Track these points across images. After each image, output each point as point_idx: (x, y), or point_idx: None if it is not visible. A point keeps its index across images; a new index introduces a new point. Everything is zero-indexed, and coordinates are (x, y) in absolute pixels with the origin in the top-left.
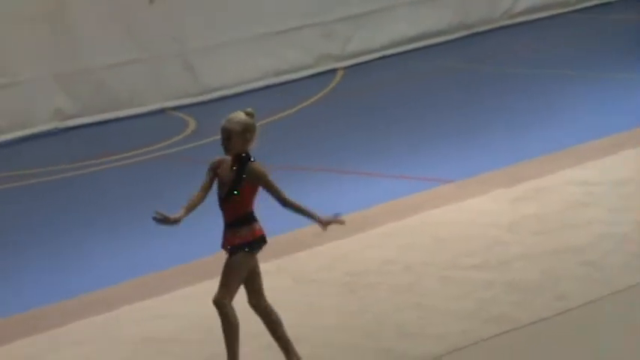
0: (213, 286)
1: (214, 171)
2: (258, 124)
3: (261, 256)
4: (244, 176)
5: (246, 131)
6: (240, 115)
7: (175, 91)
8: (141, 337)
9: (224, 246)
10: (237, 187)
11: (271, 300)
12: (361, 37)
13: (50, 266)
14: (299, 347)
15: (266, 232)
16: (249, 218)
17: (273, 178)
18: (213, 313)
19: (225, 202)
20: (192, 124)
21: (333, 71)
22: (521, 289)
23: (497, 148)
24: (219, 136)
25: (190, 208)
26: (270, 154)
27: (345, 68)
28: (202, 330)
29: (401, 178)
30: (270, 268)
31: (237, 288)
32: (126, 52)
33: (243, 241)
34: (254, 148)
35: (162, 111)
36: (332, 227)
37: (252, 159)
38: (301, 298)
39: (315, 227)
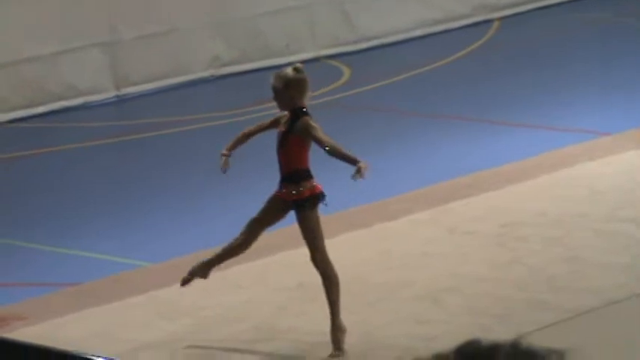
0: (366, 233)
1: (274, 122)
2: (413, 74)
3: (415, 206)
4: (292, 129)
5: (289, 87)
6: (285, 72)
7: (331, 40)
8: (296, 282)
9: (282, 197)
10: (286, 139)
11: (425, 251)
12: None
13: (207, 212)
14: (453, 297)
15: (423, 181)
16: (303, 175)
17: (428, 124)
18: (365, 259)
19: (278, 154)
20: (347, 73)
21: (489, 22)
22: None
23: None
24: (374, 85)
25: (235, 143)
26: (423, 103)
27: (500, 19)
28: (356, 276)
29: (556, 130)
30: (424, 217)
31: (322, 240)
32: (282, 0)
33: (300, 198)
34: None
35: (317, 59)
36: (486, 179)
37: (305, 113)
38: (455, 248)
39: (470, 178)
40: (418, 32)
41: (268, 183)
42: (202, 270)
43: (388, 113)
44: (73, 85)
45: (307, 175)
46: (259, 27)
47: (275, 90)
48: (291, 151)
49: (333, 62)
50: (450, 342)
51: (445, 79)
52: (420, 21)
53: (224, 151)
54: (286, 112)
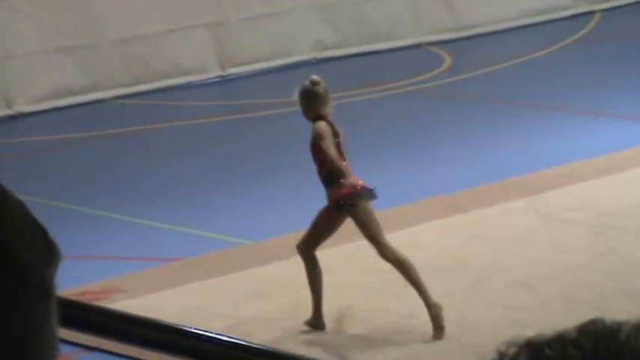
0: (464, 218)
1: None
2: (512, 63)
3: (511, 193)
4: (311, 139)
5: (307, 98)
6: (304, 85)
7: (433, 27)
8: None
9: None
10: (312, 148)
11: (521, 238)
12: None
13: (308, 193)
14: (548, 285)
15: (518, 170)
16: (332, 177)
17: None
18: (462, 244)
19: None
20: (447, 60)
21: (591, 13)
22: None
23: None
24: (473, 73)
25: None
26: (520, 92)
27: (602, 11)
28: (453, 259)
29: None
30: (520, 205)
31: (381, 233)
32: None
33: (338, 198)
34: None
35: (418, 45)
36: (581, 169)
37: (320, 119)
38: (550, 236)
39: (566, 167)
40: (519, 22)
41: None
42: (315, 318)
43: (486, 102)
44: (178, 64)
45: (340, 176)
46: (363, 12)
47: (300, 103)
48: (317, 157)
49: (434, 49)
50: (542, 329)
51: (544, 69)
52: (522, 11)
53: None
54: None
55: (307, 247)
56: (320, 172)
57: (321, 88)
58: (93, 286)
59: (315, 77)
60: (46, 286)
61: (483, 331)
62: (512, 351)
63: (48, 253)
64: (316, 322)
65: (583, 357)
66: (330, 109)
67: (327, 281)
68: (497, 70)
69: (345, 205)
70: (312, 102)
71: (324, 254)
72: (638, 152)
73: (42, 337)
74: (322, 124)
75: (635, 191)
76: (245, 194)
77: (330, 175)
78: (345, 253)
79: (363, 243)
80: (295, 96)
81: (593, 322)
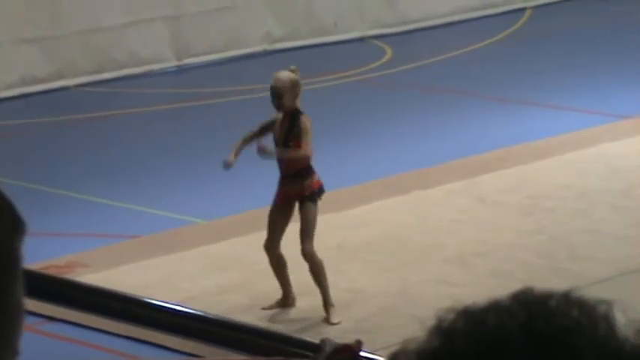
0: (404, 199)
1: (265, 128)
2: (448, 55)
3: (449, 176)
4: (296, 129)
5: (295, 87)
6: (285, 74)
7: (376, 21)
8: (336, 243)
9: (286, 197)
10: (290, 140)
11: (457, 218)
12: None
13: (259, 175)
14: (482, 262)
15: (456, 154)
16: (309, 170)
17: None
18: (402, 223)
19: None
20: (389, 53)
21: (522, 10)
22: None
23: None
24: (413, 65)
25: (237, 153)
26: (458, 82)
27: (533, 8)
28: (394, 237)
29: (583, 112)
30: (457, 187)
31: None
32: None
33: (311, 192)
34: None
35: (362, 39)
36: (515, 153)
37: (302, 113)
38: (484, 217)
39: (500, 152)
40: (456, 17)
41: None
42: (285, 300)
43: (425, 91)
44: (137, 54)
45: (312, 171)
46: (311, 6)
47: (281, 91)
48: (296, 148)
49: (377, 42)
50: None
51: (480, 61)
52: (458, 7)
53: (230, 159)
54: (278, 115)
55: (277, 245)
56: (291, 165)
57: (299, 76)
58: (58, 261)
59: (293, 67)
60: (12, 256)
61: (422, 302)
62: (450, 317)
63: (14, 225)
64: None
65: (517, 322)
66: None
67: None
68: (436, 62)
69: (319, 195)
70: (296, 92)
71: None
72: (567, 139)
73: (8, 305)
74: (309, 120)
75: (564, 175)
76: (200, 176)
77: (306, 169)
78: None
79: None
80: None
81: (524, 291)
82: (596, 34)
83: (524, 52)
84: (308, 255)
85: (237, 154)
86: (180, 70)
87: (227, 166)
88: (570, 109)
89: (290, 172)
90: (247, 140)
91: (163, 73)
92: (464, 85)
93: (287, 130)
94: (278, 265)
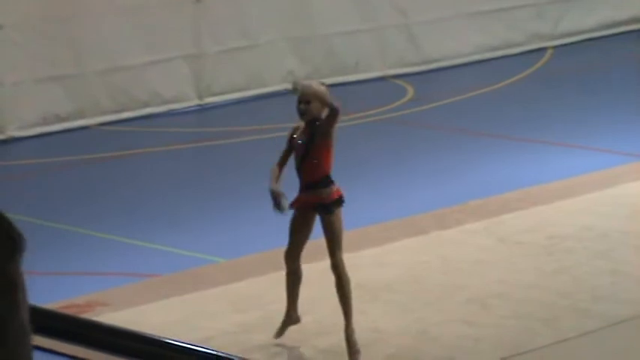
0: (424, 239)
1: (290, 142)
2: (469, 95)
3: (469, 216)
4: (316, 137)
5: (325, 96)
6: (316, 83)
7: (397, 60)
8: (355, 282)
9: (306, 204)
10: (310, 149)
11: (477, 258)
12: (571, 18)
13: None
14: (502, 303)
15: (477, 194)
16: (328, 180)
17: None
18: (423, 263)
19: (301, 166)
20: (410, 92)
21: (543, 50)
22: None
23: None
24: (435, 104)
25: (277, 178)
26: (478, 122)
27: (553, 47)
28: (414, 277)
29: (603, 152)
30: (478, 228)
31: (342, 242)
32: (354, 22)
33: (331, 201)
34: None
35: (383, 78)
36: (535, 194)
37: (321, 119)
38: (505, 257)
39: (520, 192)
40: (477, 57)
41: None
42: (288, 318)
43: (447, 131)
44: (159, 94)
45: (331, 181)
46: (332, 46)
47: (311, 97)
48: (317, 158)
49: (398, 81)
50: (496, 343)
51: (500, 101)
52: (479, 47)
53: (277, 191)
54: (298, 125)
55: (297, 255)
56: (310, 175)
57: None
58: (78, 300)
59: (322, 80)
60: (9, 279)
61: (442, 343)
62: None
63: (9, 246)
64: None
65: None
66: None
67: (302, 295)
68: (457, 102)
69: (340, 204)
70: (324, 101)
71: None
72: (588, 179)
73: (10, 329)
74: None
75: (585, 215)
76: (220, 215)
77: (325, 178)
78: (318, 268)
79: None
80: (304, 87)
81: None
82: (616, 74)
83: (545, 92)
84: (340, 267)
85: (277, 180)
86: (202, 109)
87: (283, 209)
88: (591, 148)
89: (309, 181)
90: (282, 161)
91: (185, 112)
92: (484, 125)
93: (309, 140)
94: (293, 277)
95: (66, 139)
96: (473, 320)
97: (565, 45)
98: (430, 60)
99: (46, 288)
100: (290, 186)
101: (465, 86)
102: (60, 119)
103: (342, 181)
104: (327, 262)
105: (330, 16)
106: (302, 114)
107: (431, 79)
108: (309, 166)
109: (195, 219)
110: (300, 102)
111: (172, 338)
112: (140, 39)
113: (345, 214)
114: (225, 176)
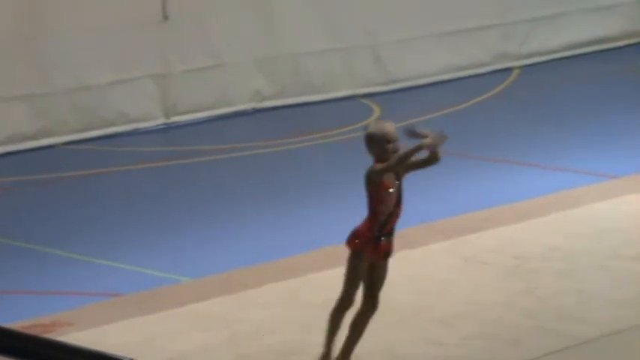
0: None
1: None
2: (435, 114)
3: (435, 237)
4: (370, 190)
5: (379, 140)
6: (379, 123)
7: (364, 80)
8: (322, 300)
9: (388, 254)
10: (371, 203)
11: (443, 278)
12: (537, 39)
13: (246, 233)
14: (468, 323)
15: (442, 214)
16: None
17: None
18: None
19: (395, 210)
20: (377, 111)
21: (509, 70)
22: None
23: None
24: (401, 123)
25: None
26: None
27: (519, 67)
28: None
29: (568, 172)
30: (443, 248)
31: None
32: (321, 41)
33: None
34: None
35: (351, 97)
36: (501, 214)
37: (371, 169)
38: (470, 277)
39: (486, 212)
40: (443, 77)
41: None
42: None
43: None
44: (125, 113)
45: None
46: (299, 65)
47: (366, 139)
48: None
49: (365, 101)
50: None
51: (466, 120)
52: (445, 67)
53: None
54: (380, 169)
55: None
56: (395, 222)
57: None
58: (43, 320)
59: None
60: None
61: None
62: None
63: None
64: None
65: None
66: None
67: (265, 314)
68: (423, 121)
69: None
70: (382, 146)
71: (264, 290)
72: (553, 199)
73: None
74: (379, 172)
75: (551, 235)
76: (185, 234)
77: None
78: (286, 288)
79: (302, 279)
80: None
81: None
82: (581, 94)
83: (511, 111)
84: (377, 305)
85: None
86: (168, 129)
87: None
88: (557, 168)
89: (393, 227)
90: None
91: (151, 132)
92: (449, 145)
93: (398, 185)
94: (340, 323)
95: (32, 158)
96: (438, 340)
97: (531, 65)
98: (397, 80)
99: (10, 307)
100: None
101: (431, 106)
102: (26, 138)
103: (307, 201)
104: (289, 283)
105: (297, 36)
106: (394, 153)
107: (397, 98)
108: (400, 212)
109: (161, 238)
110: (390, 141)
111: (135, 359)
112: (106, 58)
113: (310, 233)
114: (191, 195)
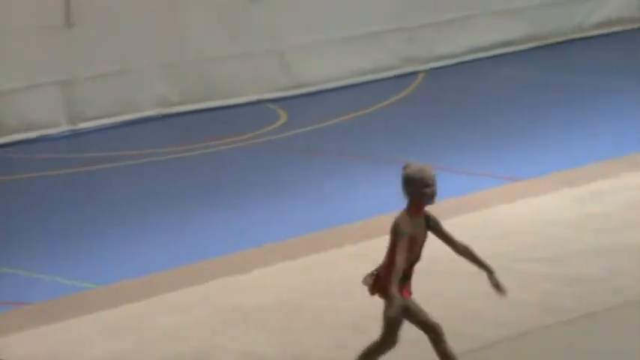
0: (297, 264)
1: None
2: (342, 118)
3: (343, 240)
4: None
5: (412, 182)
6: (417, 165)
7: (270, 85)
8: (231, 306)
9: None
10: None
11: (352, 281)
12: (442, 42)
13: (154, 239)
14: (376, 325)
15: (348, 216)
16: None
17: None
18: (296, 288)
19: (418, 254)
20: (283, 116)
21: (415, 73)
22: (581, 282)
23: (570, 150)
24: (307, 128)
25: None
26: (351, 145)
27: (425, 71)
28: (286, 302)
29: (474, 175)
30: (352, 251)
31: None
32: (225, 46)
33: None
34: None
35: (256, 103)
36: None
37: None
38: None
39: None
40: (350, 81)
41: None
42: None
43: (318, 155)
44: (30, 119)
45: None
46: (204, 70)
47: (435, 184)
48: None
49: (272, 106)
50: None
51: (371, 125)
52: (352, 71)
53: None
54: (407, 217)
55: None
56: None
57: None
58: None
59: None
60: None
61: None
62: None
63: None
64: None
65: None
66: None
67: (176, 320)
68: (329, 126)
69: None
70: (417, 190)
71: (174, 295)
72: (457, 202)
73: None
74: (402, 221)
75: (459, 238)
76: (93, 241)
77: None
78: (197, 293)
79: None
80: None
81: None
82: (488, 97)
83: (415, 115)
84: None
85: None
86: (74, 135)
87: None
88: (460, 171)
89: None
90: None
91: (57, 138)
92: (356, 149)
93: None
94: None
95: None
96: (347, 344)
97: (437, 68)
98: (303, 84)
99: None
100: None
101: (337, 110)
102: None
103: (214, 206)
104: (201, 288)
105: (202, 41)
106: (432, 197)
107: (304, 103)
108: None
109: (68, 245)
110: (428, 186)
111: None
112: (10, 65)
113: (218, 238)
114: (98, 202)
